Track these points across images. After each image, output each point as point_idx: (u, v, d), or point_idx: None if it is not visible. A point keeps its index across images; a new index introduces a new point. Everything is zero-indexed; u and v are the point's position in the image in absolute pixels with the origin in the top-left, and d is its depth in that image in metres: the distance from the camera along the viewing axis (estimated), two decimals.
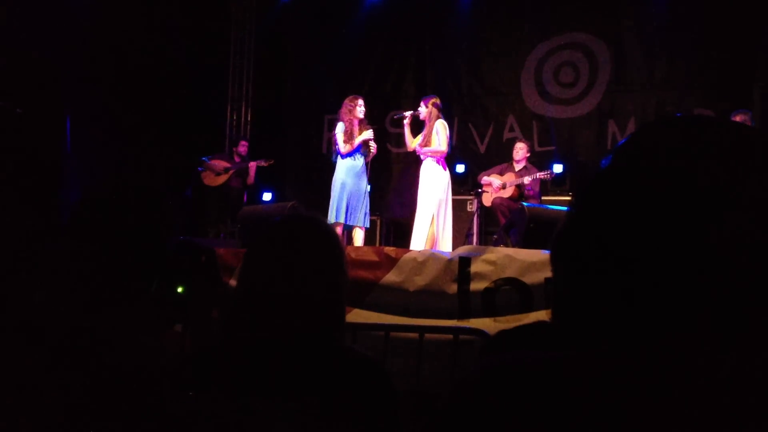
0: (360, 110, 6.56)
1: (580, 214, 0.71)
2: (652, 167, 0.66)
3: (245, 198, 9.09)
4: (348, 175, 6.48)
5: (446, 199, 6.47)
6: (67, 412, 1.16)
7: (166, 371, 1.28)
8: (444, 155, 6.52)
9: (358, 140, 6.46)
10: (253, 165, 8.63)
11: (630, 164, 0.68)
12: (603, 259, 0.66)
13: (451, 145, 6.74)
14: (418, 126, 6.76)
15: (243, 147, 8.87)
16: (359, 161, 6.54)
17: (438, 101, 6.61)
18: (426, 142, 6.48)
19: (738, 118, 6.80)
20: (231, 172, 8.60)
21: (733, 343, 0.62)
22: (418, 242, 6.33)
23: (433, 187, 6.41)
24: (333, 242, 1.49)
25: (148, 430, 1.19)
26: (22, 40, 6.56)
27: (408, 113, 6.75)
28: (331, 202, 6.51)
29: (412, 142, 6.66)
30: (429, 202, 6.38)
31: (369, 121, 6.72)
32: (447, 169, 6.57)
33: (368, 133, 6.51)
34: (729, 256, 0.61)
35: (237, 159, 8.75)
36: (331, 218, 6.38)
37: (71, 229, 1.35)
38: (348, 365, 1.40)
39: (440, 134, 6.44)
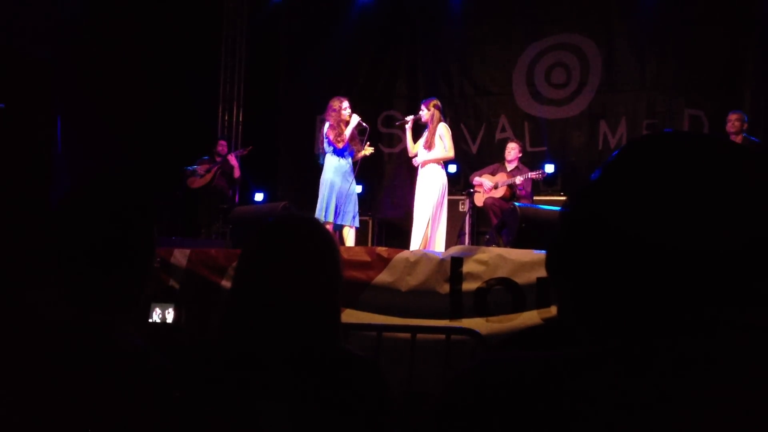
0: (346, 112, 6.52)
1: (576, 224, 0.72)
2: (639, 183, 0.68)
3: (237, 198, 9.06)
4: (336, 175, 6.47)
5: (442, 201, 6.45)
6: (61, 411, 1.16)
7: (160, 373, 1.28)
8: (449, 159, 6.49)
9: (349, 129, 6.45)
10: (231, 157, 8.60)
11: (618, 180, 0.70)
12: (599, 266, 0.68)
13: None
14: (416, 130, 6.68)
15: (222, 146, 8.80)
16: (347, 161, 6.54)
17: (438, 103, 6.51)
18: (429, 145, 6.41)
19: (733, 117, 6.86)
20: (214, 170, 8.58)
21: (728, 344, 0.63)
22: (417, 244, 6.30)
23: (433, 188, 6.37)
24: (327, 242, 1.48)
25: (143, 430, 1.18)
26: (13, 38, 6.52)
27: (409, 118, 6.66)
28: (319, 202, 6.47)
29: (414, 148, 6.58)
30: (428, 203, 6.35)
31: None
32: (444, 170, 6.54)
33: (356, 118, 6.50)
34: (716, 263, 0.63)
35: (218, 159, 8.71)
36: (320, 218, 6.34)
37: (58, 224, 1.35)
38: (344, 366, 1.40)
39: (445, 138, 6.35)
